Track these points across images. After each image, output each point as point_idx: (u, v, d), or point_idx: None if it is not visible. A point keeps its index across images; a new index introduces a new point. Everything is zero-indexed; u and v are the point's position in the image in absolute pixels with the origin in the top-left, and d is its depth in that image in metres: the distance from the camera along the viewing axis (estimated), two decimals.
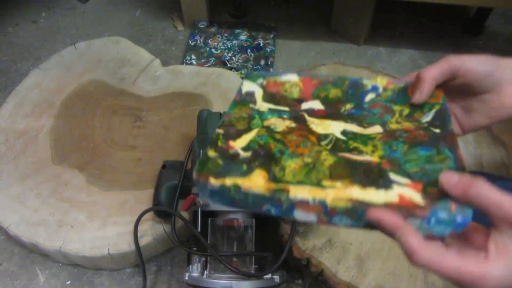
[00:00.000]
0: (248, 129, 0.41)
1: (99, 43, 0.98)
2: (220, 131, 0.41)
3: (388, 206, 0.32)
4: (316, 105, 0.45)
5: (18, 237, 0.70)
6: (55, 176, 0.76)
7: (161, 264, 0.74)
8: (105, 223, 0.70)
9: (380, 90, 0.45)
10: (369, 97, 0.45)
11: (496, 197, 0.29)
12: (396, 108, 0.43)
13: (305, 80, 0.46)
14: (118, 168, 0.77)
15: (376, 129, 0.41)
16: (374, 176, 0.35)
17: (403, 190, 0.33)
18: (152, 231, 0.69)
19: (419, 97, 0.42)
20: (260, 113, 0.44)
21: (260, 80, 0.47)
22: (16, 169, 0.77)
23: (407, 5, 0.98)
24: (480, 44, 1.09)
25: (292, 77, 0.47)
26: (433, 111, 0.42)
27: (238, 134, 0.40)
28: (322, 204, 0.33)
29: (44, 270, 0.74)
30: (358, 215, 0.33)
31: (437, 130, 0.40)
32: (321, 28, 1.13)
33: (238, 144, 0.39)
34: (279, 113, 0.44)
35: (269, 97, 0.46)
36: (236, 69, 1.00)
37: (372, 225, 0.32)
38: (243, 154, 0.38)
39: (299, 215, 0.34)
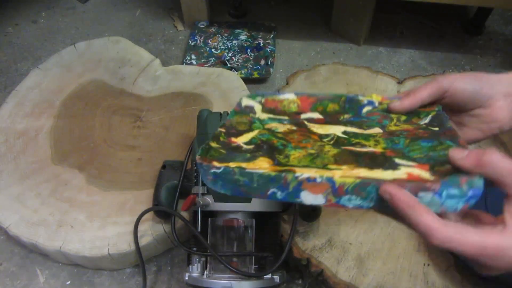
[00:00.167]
0: (249, 130, 0.41)
1: (99, 43, 0.98)
2: (222, 129, 0.41)
3: (396, 181, 0.31)
4: (315, 115, 0.46)
5: (18, 237, 0.70)
6: (55, 176, 0.76)
7: (161, 264, 0.74)
8: (105, 223, 0.70)
9: (376, 104, 0.46)
10: (366, 109, 0.46)
11: (510, 164, 0.29)
12: (393, 115, 0.44)
13: (303, 98, 0.47)
14: (118, 168, 0.77)
15: (376, 130, 0.42)
16: (379, 161, 0.35)
17: (411, 169, 0.33)
18: (152, 231, 0.69)
19: (398, 105, 0.42)
20: (260, 120, 0.44)
21: (259, 98, 0.47)
22: (16, 169, 0.77)
23: (407, 5, 0.98)
24: (480, 44, 1.09)
25: (290, 96, 0.47)
26: (430, 116, 0.42)
27: (240, 133, 0.41)
28: (330, 181, 0.32)
29: (44, 270, 0.74)
30: (368, 193, 0.32)
31: (436, 128, 0.40)
32: (321, 28, 1.13)
33: (240, 140, 0.39)
34: (279, 120, 0.44)
35: (268, 110, 0.46)
36: (236, 69, 1.00)
37: (382, 207, 0.32)
38: (245, 146, 0.38)
39: (307, 197, 0.33)
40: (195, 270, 0.60)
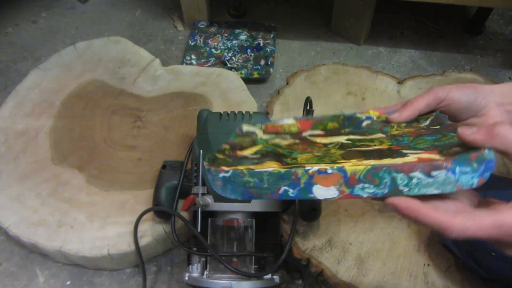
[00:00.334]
0: (254, 144, 0.42)
1: (99, 43, 0.98)
2: (226, 146, 0.41)
3: (407, 163, 0.31)
4: (317, 132, 0.46)
5: (18, 237, 0.69)
6: (55, 176, 0.76)
7: (161, 264, 0.74)
8: (105, 223, 0.70)
9: (374, 118, 0.46)
10: (365, 122, 0.46)
11: None
12: (393, 123, 0.45)
13: (302, 121, 0.47)
14: (118, 168, 0.77)
15: (379, 135, 0.42)
16: (387, 153, 0.35)
17: (420, 155, 0.33)
18: (152, 231, 0.69)
19: (396, 117, 0.43)
20: (263, 139, 0.44)
21: (259, 125, 0.48)
22: (16, 169, 0.77)
23: (407, 5, 0.98)
24: (480, 44, 1.09)
25: (289, 120, 0.47)
26: (429, 119, 0.43)
27: (245, 148, 0.41)
28: (341, 171, 0.32)
29: (44, 270, 0.74)
30: (381, 179, 0.32)
31: (437, 127, 0.41)
32: (321, 28, 1.13)
33: (246, 152, 0.39)
34: (282, 137, 0.45)
35: (269, 133, 0.47)
36: (236, 69, 1.00)
37: (396, 193, 0.31)
38: (252, 156, 0.38)
39: (319, 191, 0.33)
40: (195, 270, 0.60)
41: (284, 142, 0.42)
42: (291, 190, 0.33)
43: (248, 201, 0.60)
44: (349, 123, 0.46)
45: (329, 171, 0.32)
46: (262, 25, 1.10)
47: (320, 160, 0.35)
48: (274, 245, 0.63)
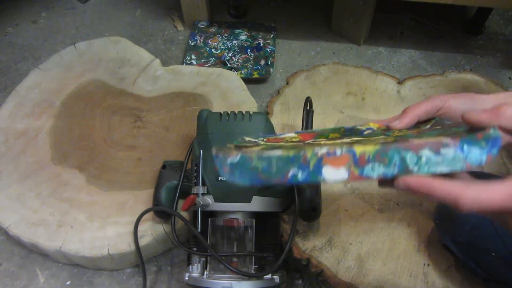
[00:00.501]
0: (257, 145, 0.42)
1: (99, 43, 0.98)
2: (231, 145, 0.41)
3: (416, 143, 0.31)
4: (319, 139, 0.46)
5: (18, 237, 0.70)
6: (55, 176, 0.76)
7: (161, 264, 0.74)
8: (105, 223, 0.70)
9: (375, 129, 0.47)
10: (367, 132, 0.46)
11: None
12: (394, 130, 0.45)
13: (303, 134, 0.47)
14: (118, 168, 0.77)
15: (382, 137, 0.42)
16: (394, 141, 0.35)
17: (428, 139, 0.33)
18: (152, 231, 0.69)
19: (397, 124, 0.44)
20: (267, 144, 0.44)
21: (261, 138, 0.48)
22: (16, 169, 0.77)
23: (407, 5, 0.98)
24: (480, 44, 1.09)
25: (290, 134, 0.47)
26: (430, 124, 0.43)
27: (250, 147, 0.41)
28: (351, 151, 0.32)
29: (44, 270, 0.74)
30: (390, 158, 0.32)
31: (439, 127, 0.41)
32: (321, 28, 1.13)
33: (252, 149, 0.39)
34: (285, 142, 0.44)
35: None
36: (236, 69, 1.00)
37: (407, 172, 0.32)
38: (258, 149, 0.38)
39: (329, 173, 0.32)
40: (195, 270, 0.60)
41: (288, 144, 0.43)
42: (300, 173, 0.33)
43: (248, 200, 0.60)
44: (350, 133, 0.47)
45: (338, 152, 0.32)
46: (262, 25, 1.10)
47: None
48: (274, 245, 0.63)
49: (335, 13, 1.07)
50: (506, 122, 0.32)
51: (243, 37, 1.08)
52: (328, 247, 0.67)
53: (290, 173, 0.33)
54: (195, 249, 0.61)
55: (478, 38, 1.10)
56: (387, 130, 0.45)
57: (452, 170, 0.31)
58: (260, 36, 1.07)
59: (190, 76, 0.92)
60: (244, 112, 0.65)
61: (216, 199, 0.60)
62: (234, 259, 0.59)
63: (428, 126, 0.43)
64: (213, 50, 1.05)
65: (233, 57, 1.03)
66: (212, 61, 1.02)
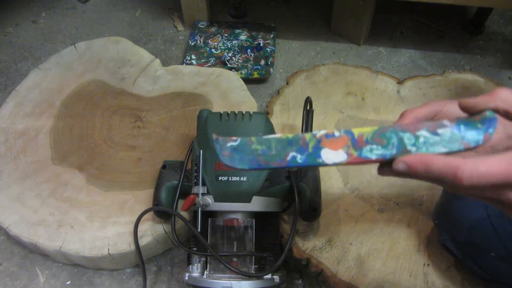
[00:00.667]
0: None
1: (99, 43, 0.98)
2: None
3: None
4: None
5: (18, 237, 0.70)
6: (55, 176, 0.76)
7: (161, 264, 0.74)
8: (105, 223, 0.70)
9: None
10: None
11: None
12: None
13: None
14: (118, 168, 0.77)
15: None
16: None
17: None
18: (152, 231, 0.69)
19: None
20: None
21: None
22: (16, 169, 0.77)
23: (407, 5, 0.98)
24: (480, 44, 1.09)
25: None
26: None
27: None
28: (349, 133, 0.33)
29: (44, 270, 0.74)
30: (388, 139, 0.32)
31: None
32: (321, 28, 1.13)
33: None
34: None
35: None
36: (236, 69, 1.00)
37: (405, 153, 0.32)
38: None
39: (328, 155, 0.33)
40: (195, 270, 0.60)
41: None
42: (299, 156, 0.33)
43: (248, 200, 0.60)
44: None
45: (337, 134, 0.33)
46: (262, 25, 1.10)
47: None
48: (274, 245, 0.63)
49: (335, 13, 1.07)
50: (502, 104, 0.32)
51: (243, 37, 1.08)
52: (328, 247, 0.67)
53: (289, 156, 0.33)
54: (195, 249, 0.61)
55: (478, 38, 1.10)
56: None
57: (450, 150, 0.32)
58: (260, 36, 1.07)
59: (190, 76, 0.92)
60: (244, 112, 0.65)
61: (216, 199, 0.60)
62: (234, 259, 0.59)
63: None
64: (213, 50, 1.05)
65: (233, 57, 1.03)
66: (212, 61, 1.02)
